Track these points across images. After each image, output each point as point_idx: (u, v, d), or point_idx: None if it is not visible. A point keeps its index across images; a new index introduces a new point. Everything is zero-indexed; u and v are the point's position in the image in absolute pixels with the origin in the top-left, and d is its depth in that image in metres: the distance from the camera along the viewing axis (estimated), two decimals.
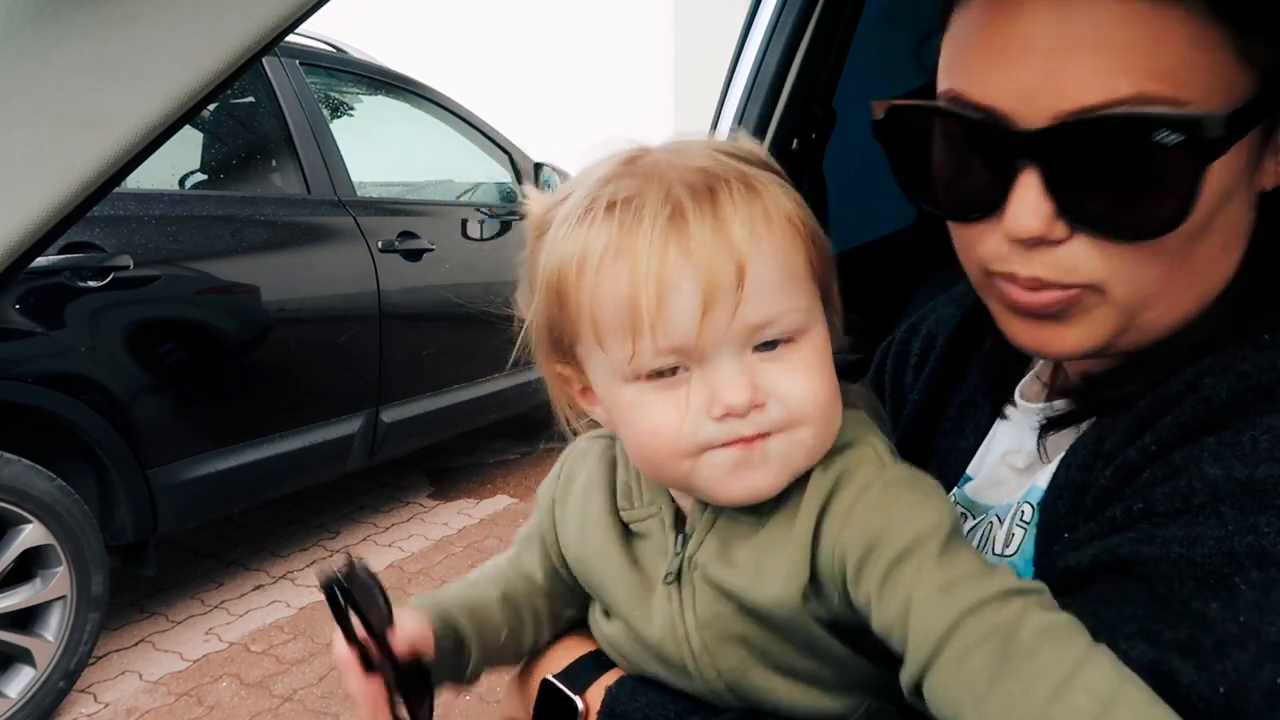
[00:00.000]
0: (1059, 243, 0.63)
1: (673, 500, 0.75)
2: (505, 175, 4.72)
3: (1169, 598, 0.55)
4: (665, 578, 0.72)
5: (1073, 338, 0.66)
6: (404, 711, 0.69)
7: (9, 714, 2.70)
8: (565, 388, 0.77)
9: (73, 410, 2.79)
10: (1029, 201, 0.62)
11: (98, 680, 3.08)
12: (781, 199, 0.66)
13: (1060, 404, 0.74)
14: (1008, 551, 0.75)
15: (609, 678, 0.79)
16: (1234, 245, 0.66)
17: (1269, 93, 0.62)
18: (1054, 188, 0.62)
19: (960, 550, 0.61)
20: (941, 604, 0.57)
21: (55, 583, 2.77)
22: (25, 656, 2.75)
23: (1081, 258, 0.63)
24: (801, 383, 0.65)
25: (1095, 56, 0.59)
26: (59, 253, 2.74)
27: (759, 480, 0.65)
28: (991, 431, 0.85)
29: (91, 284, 2.80)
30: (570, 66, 9.22)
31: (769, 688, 0.71)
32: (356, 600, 0.67)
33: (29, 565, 2.75)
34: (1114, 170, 0.60)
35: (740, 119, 1.70)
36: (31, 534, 2.69)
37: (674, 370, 0.64)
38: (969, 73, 0.65)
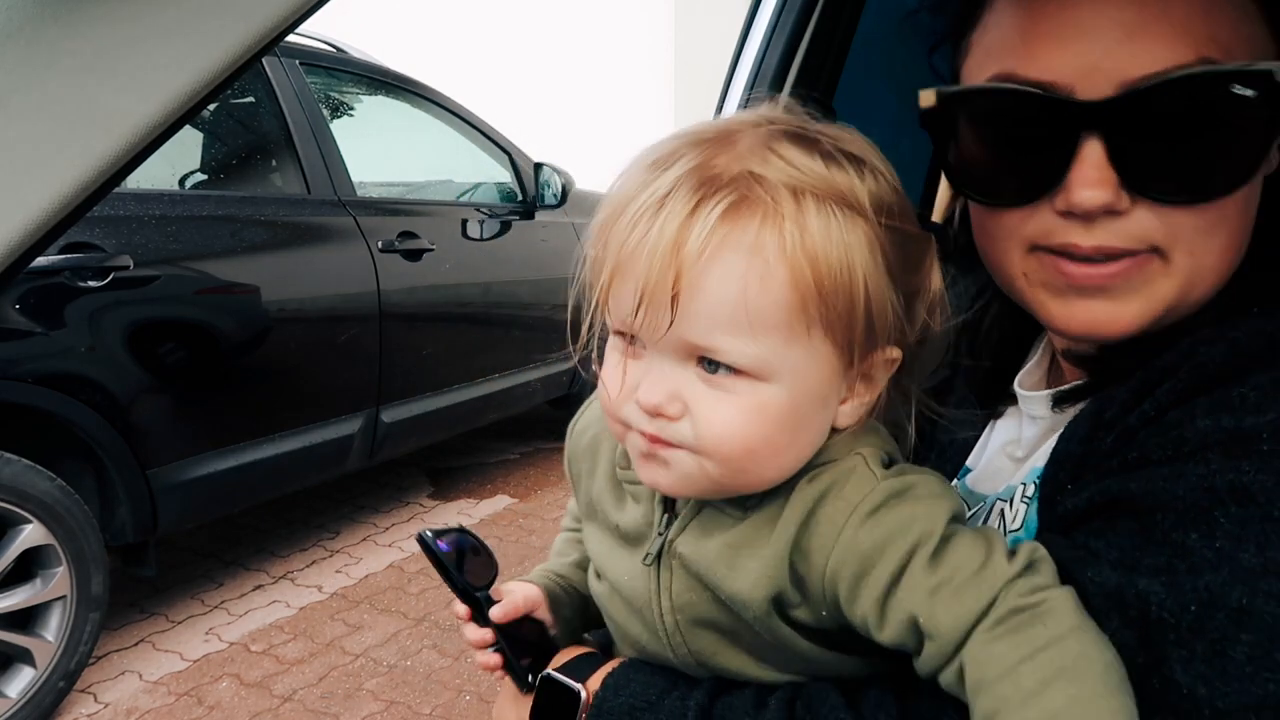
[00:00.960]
0: (1121, 214, 0.63)
1: None
2: (505, 175, 4.72)
3: (1152, 529, 0.58)
4: (645, 558, 0.72)
5: (1130, 314, 0.66)
6: (519, 663, 0.81)
7: (9, 714, 2.70)
8: None
9: (73, 410, 2.79)
10: (1094, 173, 0.62)
11: (98, 680, 3.08)
12: (798, 233, 0.60)
13: (1057, 391, 0.75)
14: (1013, 527, 0.76)
15: (608, 667, 0.80)
16: (1252, 217, 0.68)
17: None
18: (1117, 157, 0.63)
19: (952, 551, 0.61)
20: (943, 608, 0.60)
21: (55, 583, 2.77)
22: (25, 656, 2.75)
23: (1146, 225, 0.64)
24: (721, 419, 0.63)
25: (1157, 27, 0.61)
26: (59, 252, 2.74)
27: (661, 479, 0.67)
28: (991, 423, 0.87)
29: (91, 284, 2.80)
30: (570, 66, 9.22)
31: (740, 668, 0.72)
32: (456, 561, 0.80)
33: (29, 565, 2.75)
34: (1184, 131, 0.62)
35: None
36: (31, 534, 2.69)
37: (634, 339, 0.65)
38: (1022, 55, 0.66)
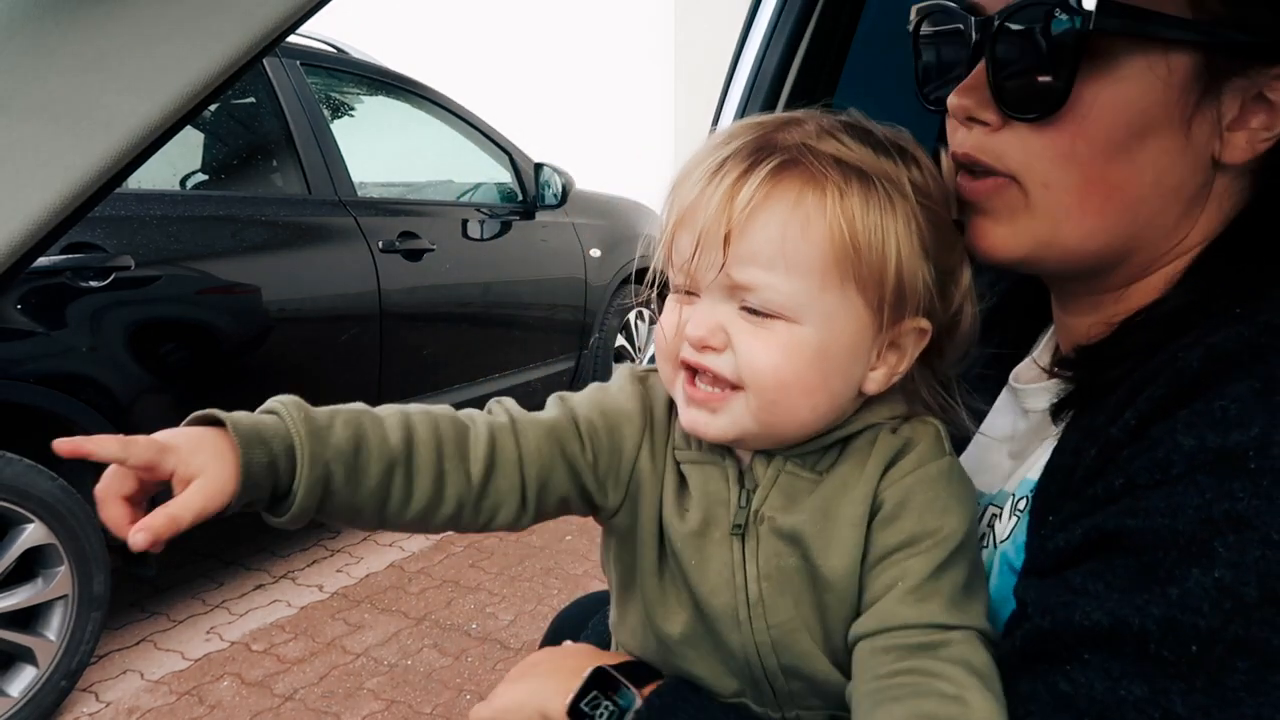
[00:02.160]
0: (992, 130, 0.70)
1: (735, 456, 0.77)
2: (505, 175, 4.72)
3: (1155, 567, 0.57)
4: (733, 529, 0.75)
5: (998, 236, 0.72)
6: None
7: (11, 713, 2.70)
8: None
9: (74, 410, 2.79)
10: (970, 80, 0.70)
11: (99, 679, 3.08)
12: (838, 199, 0.68)
13: (1057, 384, 0.75)
14: (1003, 537, 0.76)
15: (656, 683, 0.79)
16: (1176, 198, 0.68)
17: (1214, 38, 0.63)
18: (992, 71, 0.68)
19: (954, 570, 0.69)
20: (908, 606, 0.68)
21: (57, 582, 2.77)
22: (27, 656, 2.75)
23: (1006, 146, 0.69)
24: (760, 353, 0.69)
25: None
26: (60, 253, 2.74)
27: (703, 420, 0.72)
28: (989, 416, 0.87)
29: (93, 284, 2.80)
30: (570, 66, 9.22)
31: (807, 656, 0.73)
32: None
33: (30, 565, 2.75)
34: (1024, 51, 0.67)
35: (740, 119, 1.70)
36: (33, 533, 2.70)
37: (690, 293, 0.72)
38: None
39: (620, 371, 0.84)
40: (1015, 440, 0.81)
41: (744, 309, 0.70)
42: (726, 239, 0.68)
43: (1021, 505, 0.75)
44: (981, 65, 0.69)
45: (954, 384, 0.78)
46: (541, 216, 4.69)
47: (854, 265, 0.68)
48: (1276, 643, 0.53)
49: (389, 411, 0.75)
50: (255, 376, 3.37)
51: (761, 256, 0.68)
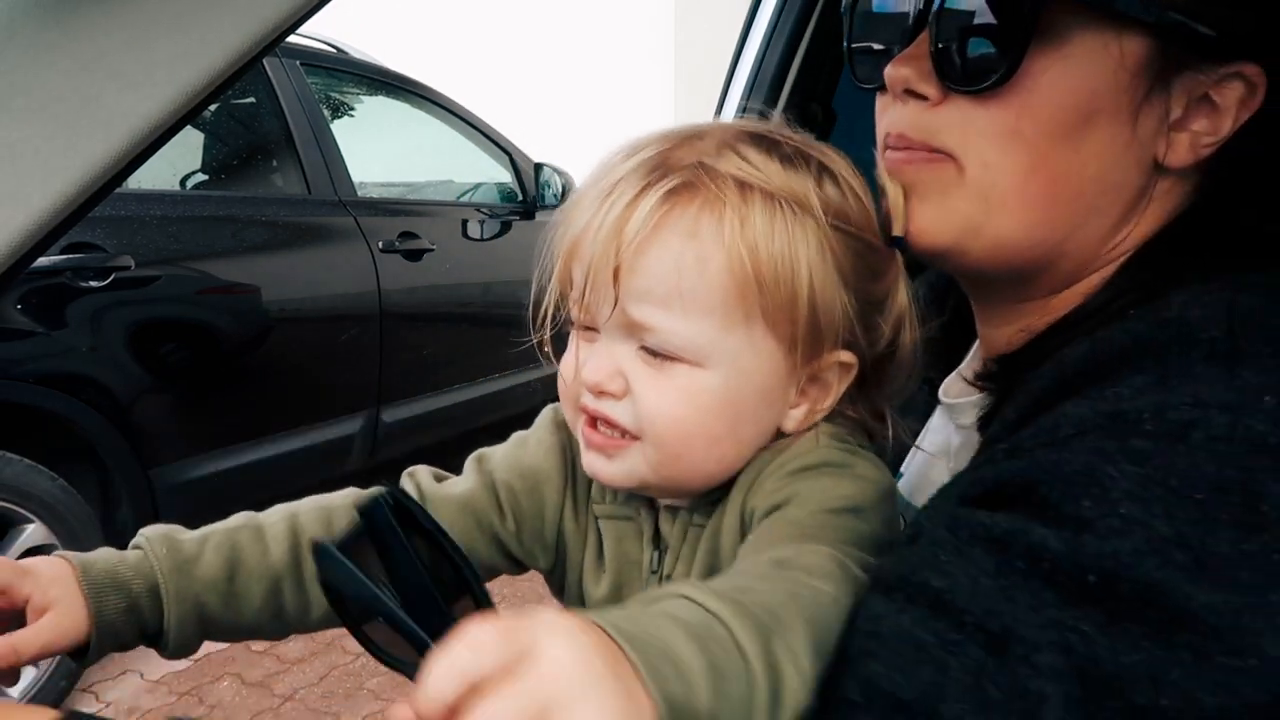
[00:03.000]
0: (933, 105, 0.64)
1: (651, 509, 0.74)
2: (505, 175, 4.72)
3: (1042, 505, 0.51)
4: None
5: (926, 216, 0.66)
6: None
7: None
8: None
9: (74, 410, 2.79)
10: (913, 49, 0.65)
11: (99, 679, 3.08)
12: (738, 224, 0.62)
13: (982, 399, 0.71)
14: None
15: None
16: (1117, 197, 0.65)
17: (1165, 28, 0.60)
18: (936, 40, 0.64)
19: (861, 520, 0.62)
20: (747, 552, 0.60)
21: None
22: None
23: (945, 122, 0.64)
24: (658, 399, 0.64)
25: None
26: (60, 253, 2.74)
27: (603, 468, 0.68)
28: (927, 430, 0.85)
29: (93, 284, 2.80)
30: (570, 66, 9.22)
31: None
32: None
33: None
34: (973, 18, 0.62)
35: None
36: (33, 534, 2.69)
37: (589, 329, 0.67)
38: None
39: (543, 417, 0.79)
40: (950, 455, 0.78)
41: (643, 349, 0.65)
42: (616, 274, 0.62)
43: None
44: (924, 35, 0.65)
45: (887, 413, 0.73)
46: (541, 216, 4.68)
47: (759, 300, 0.63)
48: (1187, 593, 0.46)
49: (275, 519, 0.73)
50: (255, 376, 3.37)
51: (655, 294, 0.62)
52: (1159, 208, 0.66)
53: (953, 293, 0.82)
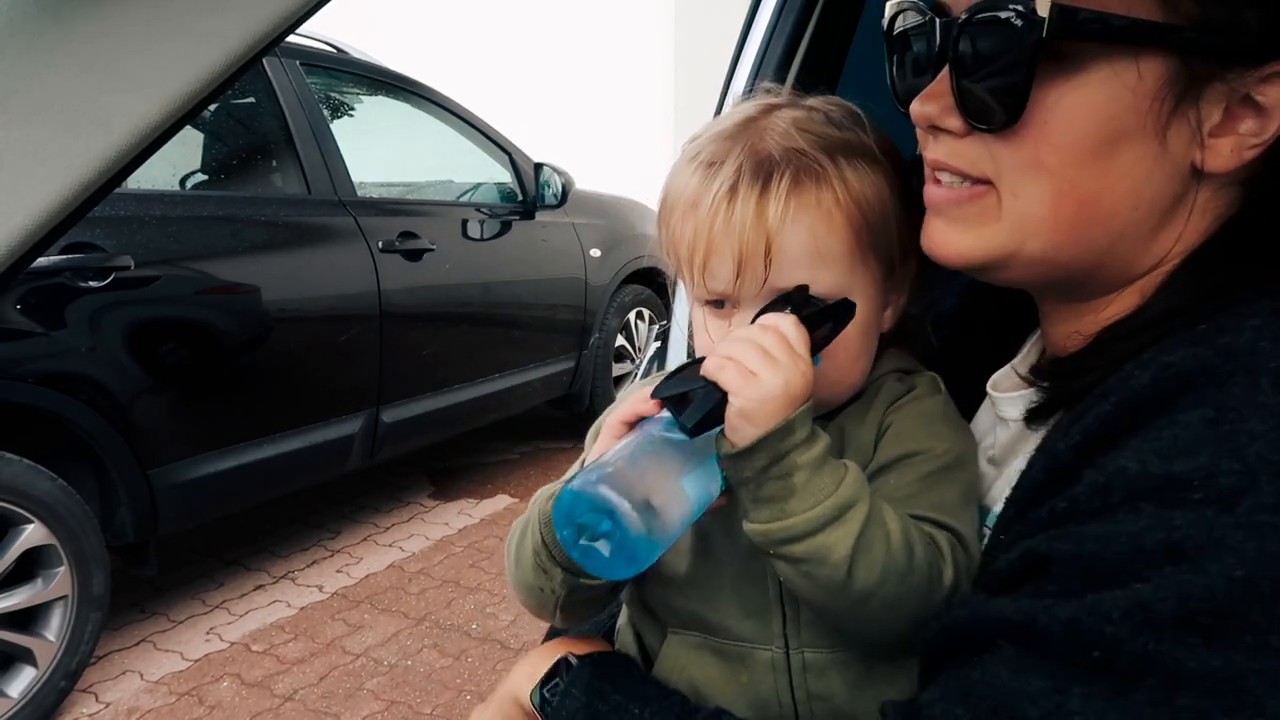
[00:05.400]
0: (959, 137, 0.68)
1: None
2: (505, 175, 4.72)
3: (1074, 582, 0.55)
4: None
5: (962, 242, 0.71)
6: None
7: (10, 713, 2.70)
8: None
9: (74, 410, 2.79)
10: (935, 86, 0.69)
11: (99, 680, 3.08)
12: (843, 185, 0.76)
13: (1032, 394, 0.73)
14: None
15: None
16: (1153, 210, 0.65)
17: (1188, 41, 0.60)
18: (955, 77, 0.66)
19: (943, 485, 0.75)
20: (894, 506, 0.72)
21: (56, 583, 2.77)
22: (27, 656, 2.75)
23: (975, 152, 0.67)
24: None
25: None
26: (60, 253, 2.74)
27: None
28: (971, 422, 0.85)
29: (92, 284, 2.80)
30: (570, 66, 9.22)
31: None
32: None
33: (30, 565, 2.75)
34: (985, 57, 0.64)
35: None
36: (33, 534, 2.70)
37: (722, 303, 0.78)
38: None
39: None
40: (996, 448, 0.80)
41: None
42: (767, 256, 0.74)
43: (984, 536, 0.75)
44: (945, 71, 0.67)
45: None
46: (541, 216, 4.69)
47: (870, 238, 0.77)
48: (1190, 665, 0.49)
49: None
50: (255, 376, 3.37)
51: (801, 261, 0.75)
52: (1208, 211, 0.66)
53: (1007, 290, 0.82)
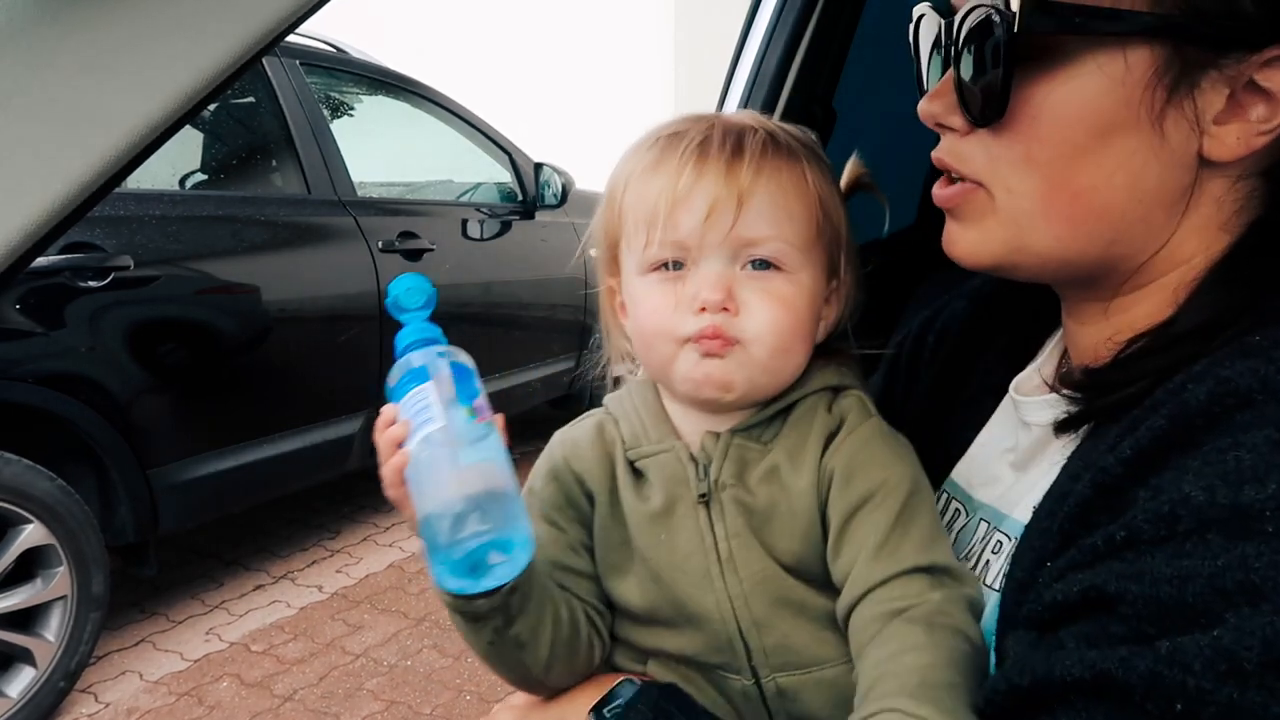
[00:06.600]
0: (962, 135, 0.69)
1: (681, 441, 0.83)
2: (505, 175, 4.73)
3: (1157, 638, 0.52)
4: (699, 499, 0.79)
5: (968, 241, 0.71)
6: None
7: (10, 714, 2.70)
8: (610, 301, 0.88)
9: (73, 410, 2.79)
10: (940, 86, 0.70)
11: (98, 680, 3.08)
12: (808, 169, 0.78)
13: (1059, 399, 0.71)
14: (987, 580, 0.75)
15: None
16: (1157, 201, 0.63)
17: (1177, 30, 0.59)
18: (958, 76, 0.67)
19: (915, 516, 0.74)
20: (881, 561, 0.72)
21: (56, 583, 2.77)
22: (26, 656, 2.75)
23: (972, 150, 0.68)
24: (769, 306, 0.76)
25: None
26: (59, 253, 2.74)
27: (717, 372, 0.77)
28: (989, 423, 0.84)
29: (92, 284, 2.80)
30: (570, 66, 9.22)
31: (778, 606, 0.77)
32: None
33: (30, 565, 2.75)
34: (972, 54, 0.65)
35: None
36: (32, 534, 2.70)
37: (677, 265, 0.77)
38: None
39: (537, 467, 0.89)
40: (1017, 452, 0.78)
41: (749, 264, 0.76)
42: (740, 201, 0.74)
43: (1004, 545, 0.74)
44: (950, 71, 0.68)
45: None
46: (541, 216, 4.69)
47: (825, 230, 0.79)
48: (1275, 711, 0.47)
49: None
50: (255, 376, 3.37)
51: (767, 213, 0.76)
52: (1227, 204, 0.64)
53: (1025, 291, 0.81)
